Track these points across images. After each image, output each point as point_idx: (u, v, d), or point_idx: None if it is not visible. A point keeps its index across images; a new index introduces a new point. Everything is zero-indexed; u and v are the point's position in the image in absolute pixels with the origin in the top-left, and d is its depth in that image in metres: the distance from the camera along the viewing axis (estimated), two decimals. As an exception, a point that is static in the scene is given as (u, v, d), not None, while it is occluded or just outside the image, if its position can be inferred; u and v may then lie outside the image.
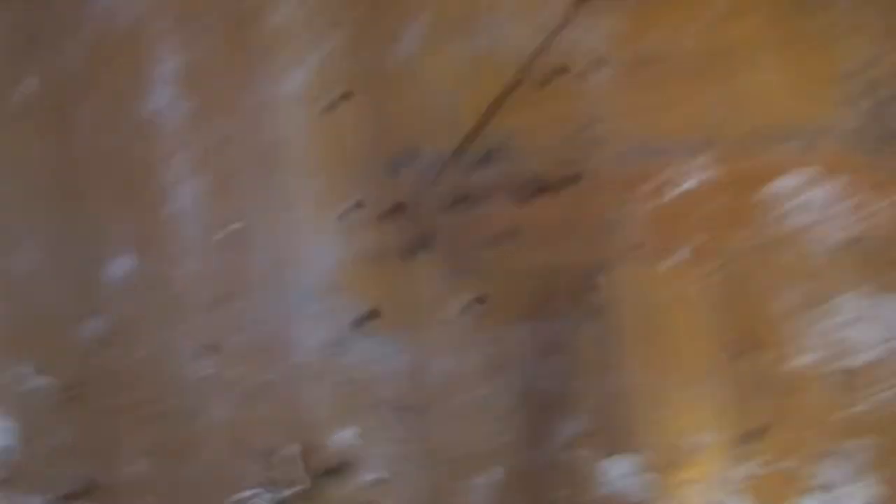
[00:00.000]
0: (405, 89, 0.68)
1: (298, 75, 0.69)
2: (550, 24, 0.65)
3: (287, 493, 0.71)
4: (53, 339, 0.75)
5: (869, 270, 0.61)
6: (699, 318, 0.65)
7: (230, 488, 0.72)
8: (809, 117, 0.61)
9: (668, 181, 0.65)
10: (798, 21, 0.61)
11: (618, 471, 0.66)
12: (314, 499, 0.71)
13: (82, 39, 0.72)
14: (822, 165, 0.61)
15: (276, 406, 0.72)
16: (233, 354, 0.72)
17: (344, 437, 0.70)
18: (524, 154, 0.67)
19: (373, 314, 0.70)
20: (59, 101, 0.73)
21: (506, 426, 0.68)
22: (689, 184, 0.64)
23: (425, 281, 0.69)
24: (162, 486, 0.75)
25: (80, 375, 0.75)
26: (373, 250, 0.69)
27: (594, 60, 0.65)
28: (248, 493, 0.71)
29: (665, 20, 0.64)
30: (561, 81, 0.66)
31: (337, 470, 0.70)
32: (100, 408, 0.75)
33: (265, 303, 0.71)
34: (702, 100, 0.64)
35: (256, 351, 0.72)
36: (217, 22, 0.70)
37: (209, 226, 0.72)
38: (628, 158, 0.65)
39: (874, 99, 0.60)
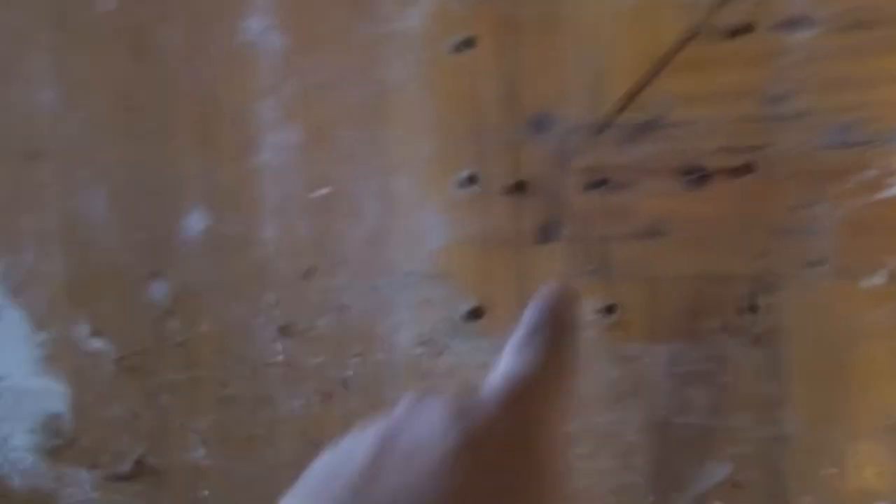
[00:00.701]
0: (543, 39, 0.55)
1: (415, 12, 0.57)
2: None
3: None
4: (115, 299, 0.66)
5: None
6: (892, 359, 0.51)
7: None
8: None
9: (872, 180, 0.51)
10: None
11: (764, 536, 0.53)
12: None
13: (169, -46, 0.62)
14: None
15: (355, 405, 0.61)
16: (312, 340, 0.62)
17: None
18: (686, 131, 0.53)
19: (478, 311, 0.58)
20: (139, 22, 0.63)
21: (627, 463, 0.55)
22: (905, 187, 0.50)
23: (546, 279, 0.56)
24: (217, 477, 0.65)
25: (141, 343, 0.66)
26: (486, 234, 0.57)
27: (790, 17, 0.51)
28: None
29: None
30: (744, 41, 0.52)
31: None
32: (159, 382, 0.66)
33: (354, 284, 0.60)
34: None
35: (339, 340, 0.61)
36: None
37: (298, 185, 0.61)
38: (823, 146, 0.51)
39: None
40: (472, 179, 0.57)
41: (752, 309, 0.53)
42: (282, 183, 0.61)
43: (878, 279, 0.51)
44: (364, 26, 0.58)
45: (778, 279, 0.53)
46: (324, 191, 0.60)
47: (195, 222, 0.64)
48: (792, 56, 0.51)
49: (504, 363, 0.40)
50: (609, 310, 0.55)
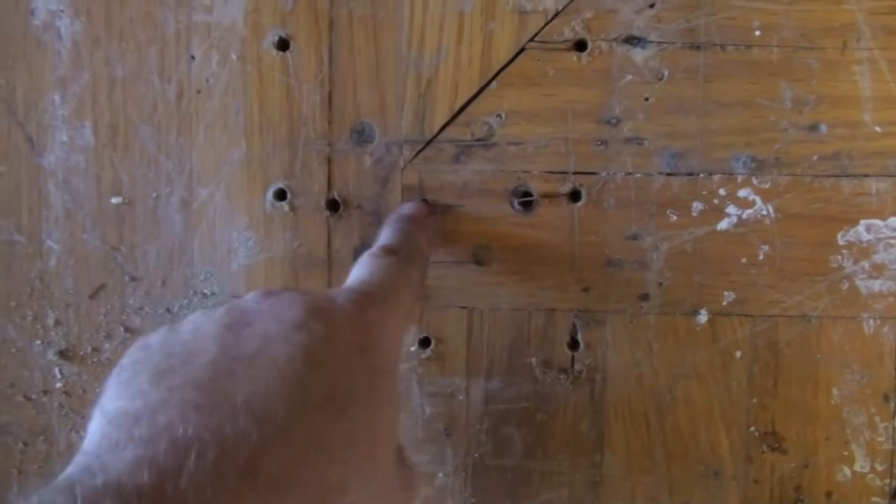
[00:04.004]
0: (364, 44, 0.51)
1: (228, 5, 0.52)
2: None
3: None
4: None
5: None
6: (717, 400, 0.49)
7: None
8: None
9: (700, 213, 0.48)
10: None
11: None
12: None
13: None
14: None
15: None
16: (96, 367, 0.54)
17: None
18: (514, 151, 0.50)
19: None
20: None
21: (440, 508, 0.51)
22: (735, 216, 0.48)
23: (359, 303, 0.51)
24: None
25: None
26: (296, 255, 0.52)
27: (626, 35, 0.48)
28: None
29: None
30: (580, 58, 0.49)
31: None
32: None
33: (148, 305, 0.54)
34: (775, 97, 0.47)
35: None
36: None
37: (89, 191, 0.54)
38: (653, 174, 0.49)
39: None
40: (282, 194, 0.52)
41: (573, 345, 0.50)
42: (70, 187, 0.54)
43: (700, 318, 0.49)
44: (170, 15, 0.52)
45: (601, 314, 0.50)
46: (118, 198, 0.54)
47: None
48: (626, 77, 0.48)
49: (359, 270, 0.40)
50: (424, 342, 0.51)
